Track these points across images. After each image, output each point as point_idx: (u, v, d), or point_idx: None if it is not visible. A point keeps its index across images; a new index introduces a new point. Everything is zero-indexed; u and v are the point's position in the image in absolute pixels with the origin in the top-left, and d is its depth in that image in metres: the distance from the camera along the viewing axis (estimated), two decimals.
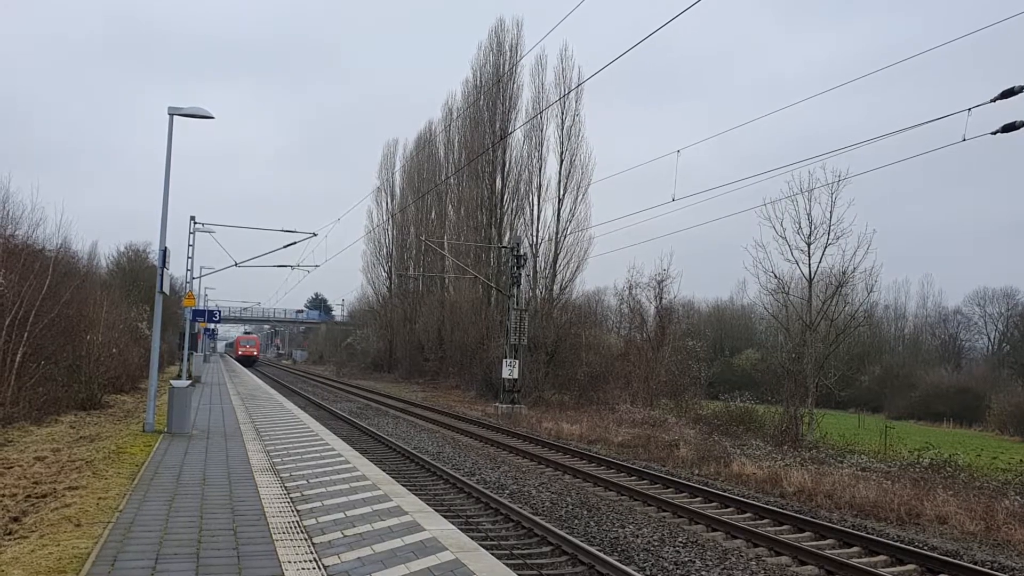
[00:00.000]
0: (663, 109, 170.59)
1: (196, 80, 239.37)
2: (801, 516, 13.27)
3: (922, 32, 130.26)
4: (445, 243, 49.90)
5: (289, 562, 6.63)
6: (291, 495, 9.67)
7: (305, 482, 10.63)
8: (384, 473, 11.93)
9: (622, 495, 15.32)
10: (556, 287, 45.48)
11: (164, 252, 16.81)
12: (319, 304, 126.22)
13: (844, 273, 26.13)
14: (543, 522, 11.71)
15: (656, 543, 11.27)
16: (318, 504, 9.15)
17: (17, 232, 22.05)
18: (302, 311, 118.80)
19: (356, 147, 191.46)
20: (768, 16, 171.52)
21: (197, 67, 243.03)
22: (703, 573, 9.94)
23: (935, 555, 10.91)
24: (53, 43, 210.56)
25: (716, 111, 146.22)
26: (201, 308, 39.21)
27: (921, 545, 11.99)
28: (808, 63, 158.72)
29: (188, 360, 35.23)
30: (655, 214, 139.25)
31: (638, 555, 10.59)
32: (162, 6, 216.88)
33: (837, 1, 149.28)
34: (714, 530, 12.43)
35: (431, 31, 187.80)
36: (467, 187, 54.16)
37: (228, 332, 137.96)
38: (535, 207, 48.43)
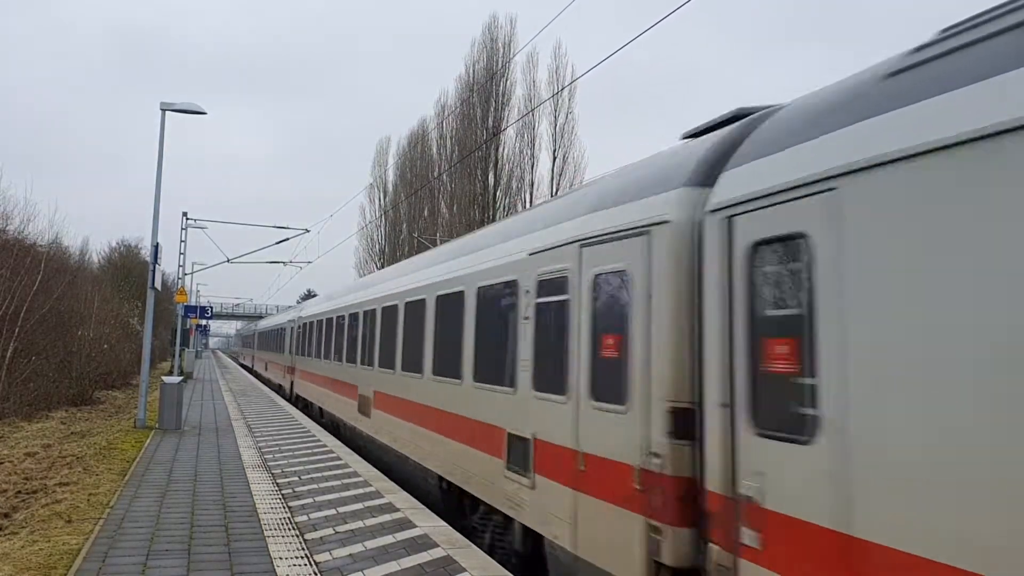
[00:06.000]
0: (635, 129, 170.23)
1: (198, 91, 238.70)
2: None
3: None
4: (438, 239, 49.80)
5: (281, 558, 6.65)
6: (283, 491, 9.68)
7: (297, 479, 10.63)
8: (376, 470, 11.94)
9: None
10: None
11: (156, 248, 16.76)
12: None
13: None
14: None
15: None
16: (310, 501, 9.16)
17: (8, 227, 21.97)
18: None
19: (351, 149, 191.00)
20: (734, 39, 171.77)
21: (199, 80, 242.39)
22: None
23: None
24: (56, 61, 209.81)
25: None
26: (193, 304, 39.08)
27: None
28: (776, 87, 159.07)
29: (180, 356, 35.13)
30: None
31: None
32: (165, 21, 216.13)
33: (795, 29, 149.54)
34: None
35: (431, 34, 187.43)
36: (460, 184, 54.14)
37: (219, 328, 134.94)
38: (528, 204, 48.49)
